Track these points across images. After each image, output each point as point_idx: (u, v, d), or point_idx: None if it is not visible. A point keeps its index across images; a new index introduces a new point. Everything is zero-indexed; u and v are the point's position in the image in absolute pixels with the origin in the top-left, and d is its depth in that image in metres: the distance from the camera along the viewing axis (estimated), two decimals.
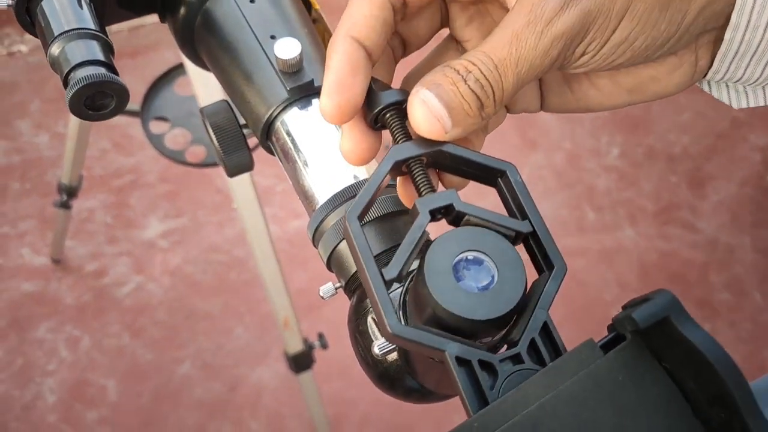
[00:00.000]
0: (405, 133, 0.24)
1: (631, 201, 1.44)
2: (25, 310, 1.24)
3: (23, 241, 1.31)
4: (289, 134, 0.32)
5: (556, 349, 0.21)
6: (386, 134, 0.25)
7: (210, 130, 0.35)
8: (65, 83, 0.28)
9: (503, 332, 0.21)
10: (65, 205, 1.05)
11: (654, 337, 0.20)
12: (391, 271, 0.21)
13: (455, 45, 0.28)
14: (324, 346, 0.92)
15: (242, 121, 0.36)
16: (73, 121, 0.90)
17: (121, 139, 1.44)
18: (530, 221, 0.22)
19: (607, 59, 0.24)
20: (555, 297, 0.21)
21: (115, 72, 0.29)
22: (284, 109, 0.32)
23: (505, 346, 0.21)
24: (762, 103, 0.27)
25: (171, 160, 0.95)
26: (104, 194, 1.37)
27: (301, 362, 0.89)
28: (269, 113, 0.32)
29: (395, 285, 0.24)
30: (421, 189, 0.23)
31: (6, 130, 1.45)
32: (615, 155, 1.51)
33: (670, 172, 1.49)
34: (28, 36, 1.60)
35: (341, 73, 0.23)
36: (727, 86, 0.27)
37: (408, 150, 0.23)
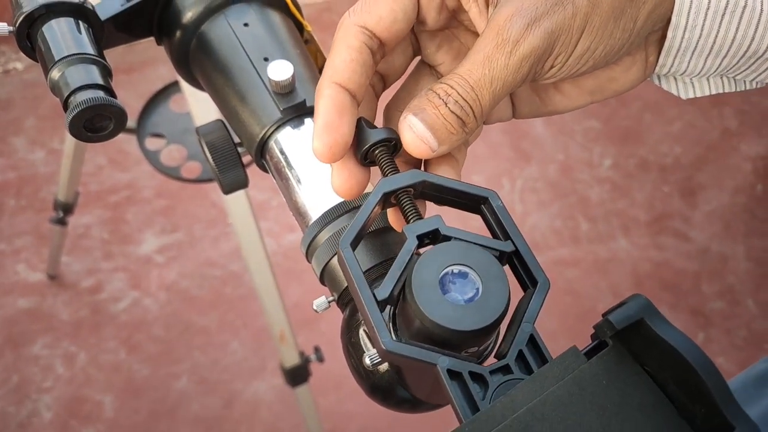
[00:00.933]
0: (393, 167, 0.25)
1: (624, 211, 1.46)
2: (20, 327, 1.24)
3: (19, 257, 1.31)
4: (282, 153, 0.32)
5: (543, 360, 0.22)
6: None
7: (206, 149, 0.36)
8: (65, 106, 0.29)
9: (490, 341, 0.22)
10: (61, 222, 1.06)
11: (633, 341, 0.21)
12: (382, 292, 0.22)
13: (428, 69, 0.30)
14: (320, 359, 0.93)
15: (237, 140, 0.37)
16: (70, 138, 0.91)
17: (117, 155, 1.45)
18: (512, 241, 0.23)
19: (572, 69, 0.26)
20: (540, 310, 0.22)
21: (114, 95, 0.30)
22: (278, 128, 0.33)
23: (495, 360, 0.22)
24: (707, 93, 0.30)
25: (167, 176, 0.95)
26: (100, 210, 1.37)
27: (297, 376, 0.89)
28: (263, 132, 0.33)
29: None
30: (409, 217, 0.24)
31: (1, 146, 1.45)
32: (607, 166, 1.52)
33: (662, 182, 1.51)
34: (23, 54, 1.61)
35: (329, 117, 0.25)
36: (675, 79, 0.30)
37: (396, 182, 0.24)
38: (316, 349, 0.94)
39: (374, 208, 0.23)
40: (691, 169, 1.53)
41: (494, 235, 0.24)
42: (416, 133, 0.24)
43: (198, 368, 1.21)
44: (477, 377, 0.21)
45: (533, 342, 0.21)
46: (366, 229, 0.23)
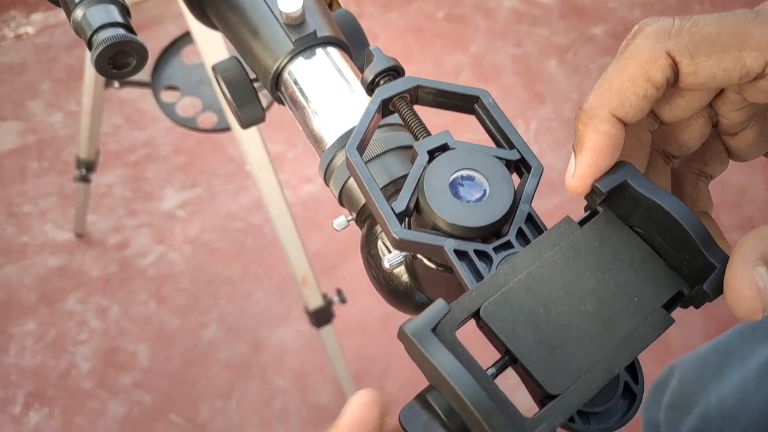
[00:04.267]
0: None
1: None
2: (53, 284, 1.28)
3: (45, 218, 1.35)
4: (296, 83, 0.34)
5: (541, 233, 0.24)
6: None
7: (222, 85, 0.37)
8: (89, 45, 0.30)
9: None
10: (85, 179, 1.09)
11: (621, 205, 0.23)
12: (399, 205, 0.23)
13: (717, 140, 0.27)
14: (343, 300, 0.96)
15: (252, 76, 0.38)
16: (87, 95, 0.92)
17: (133, 114, 1.46)
18: (517, 149, 0.24)
19: None
20: (535, 192, 0.23)
21: (134, 32, 0.31)
22: (291, 59, 0.34)
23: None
24: None
25: (183, 128, 0.97)
26: (121, 169, 1.40)
27: (321, 317, 0.92)
28: (277, 64, 0.34)
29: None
30: (417, 133, 0.25)
31: (19, 111, 1.48)
32: None
33: None
34: (34, 17, 1.61)
35: (598, 157, 0.23)
36: None
37: (391, 89, 0.25)
38: (339, 291, 0.97)
39: (374, 115, 0.25)
40: None
41: (496, 142, 0.25)
42: (762, 291, 0.20)
43: (225, 317, 1.25)
44: (482, 254, 0.23)
45: (531, 220, 0.23)
46: (369, 136, 0.25)
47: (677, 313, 0.23)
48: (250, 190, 1.37)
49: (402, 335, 0.20)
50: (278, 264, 1.28)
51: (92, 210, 1.33)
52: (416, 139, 0.25)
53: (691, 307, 0.23)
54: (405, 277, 0.28)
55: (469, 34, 1.54)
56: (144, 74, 0.99)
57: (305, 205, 1.35)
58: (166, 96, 0.99)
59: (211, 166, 1.41)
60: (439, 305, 0.20)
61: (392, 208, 0.23)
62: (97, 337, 1.24)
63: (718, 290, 0.21)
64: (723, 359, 0.51)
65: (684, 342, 1.21)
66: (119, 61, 0.31)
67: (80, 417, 1.17)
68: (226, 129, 0.89)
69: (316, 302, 0.91)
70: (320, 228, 1.32)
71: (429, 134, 0.25)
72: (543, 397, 0.21)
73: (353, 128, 0.32)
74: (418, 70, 1.51)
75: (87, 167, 1.07)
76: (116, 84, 0.96)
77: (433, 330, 0.20)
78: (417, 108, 0.26)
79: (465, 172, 0.23)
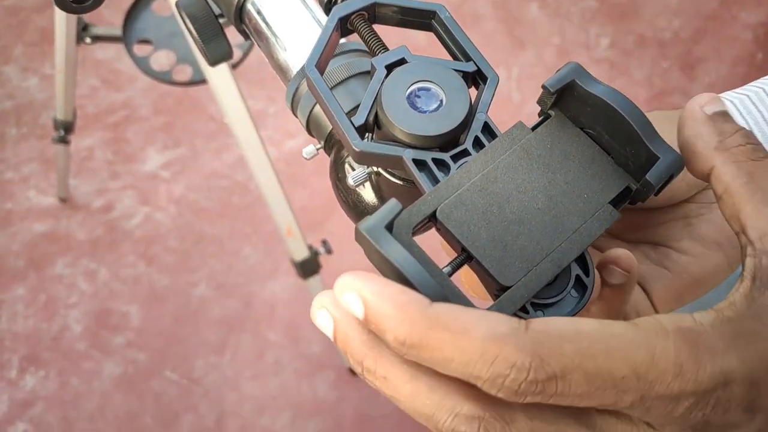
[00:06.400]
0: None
1: (623, 90, 1.43)
2: (40, 250, 1.28)
3: (28, 183, 1.34)
4: (259, 13, 0.33)
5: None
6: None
7: (187, 22, 0.36)
8: None
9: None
10: (63, 140, 1.07)
11: (571, 106, 0.23)
12: (358, 118, 0.23)
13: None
14: (329, 251, 0.96)
15: (218, 12, 0.37)
16: (59, 53, 0.91)
17: (109, 75, 1.44)
18: (474, 62, 0.24)
19: None
20: (491, 102, 0.24)
21: None
22: None
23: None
24: None
25: (159, 81, 0.96)
26: (101, 131, 1.38)
27: (308, 267, 0.93)
28: None
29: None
30: (375, 49, 0.25)
31: None
32: (605, 46, 1.50)
33: (661, 58, 1.49)
34: None
35: None
36: None
37: (349, 6, 0.25)
38: (324, 242, 0.98)
39: (332, 33, 0.25)
40: (689, 42, 1.50)
41: (450, 53, 0.26)
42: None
43: (215, 274, 1.26)
44: (440, 163, 0.23)
45: (488, 129, 0.24)
46: (328, 55, 0.24)
47: None
48: (233, 147, 1.36)
49: (357, 234, 0.20)
50: (265, 220, 1.28)
51: (75, 174, 1.32)
52: (374, 55, 0.25)
53: None
54: (372, 197, 0.29)
55: None
56: (115, 29, 0.97)
57: (288, 161, 1.35)
58: (140, 50, 0.97)
59: (193, 125, 1.39)
60: (391, 204, 0.20)
61: (352, 122, 0.23)
62: (87, 300, 1.24)
63: (660, 179, 0.22)
64: None
65: None
66: None
67: (76, 378, 1.18)
68: (202, 81, 0.88)
69: (301, 253, 0.92)
70: (305, 183, 1.32)
71: (387, 50, 0.25)
72: (497, 291, 0.22)
73: None
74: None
75: (65, 128, 1.05)
76: (88, 40, 0.94)
77: (389, 228, 0.20)
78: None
79: (421, 84, 0.23)
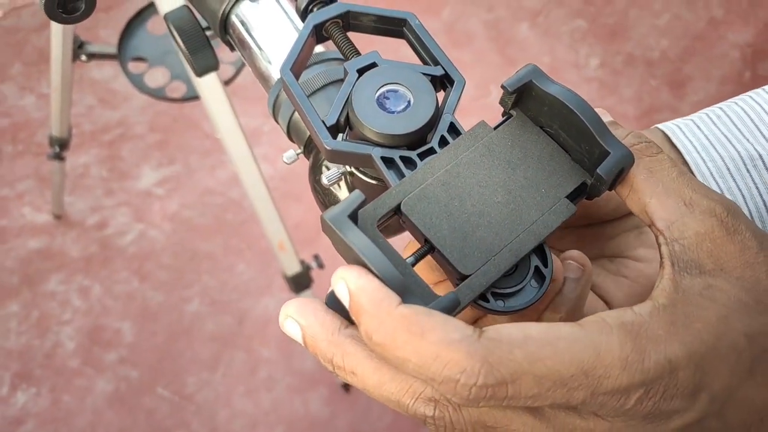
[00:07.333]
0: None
1: (612, 108, 1.47)
2: (34, 266, 1.29)
3: (23, 200, 1.35)
4: (243, 24, 0.35)
5: None
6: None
7: (175, 34, 0.38)
8: None
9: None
10: (59, 157, 1.09)
11: (530, 106, 0.24)
12: (330, 119, 0.25)
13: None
14: (320, 265, 0.97)
15: (205, 25, 0.39)
16: (55, 71, 0.92)
17: (105, 94, 1.46)
18: (441, 66, 0.26)
19: None
20: (457, 103, 0.25)
21: None
22: (237, 1, 0.35)
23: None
24: None
25: (153, 98, 0.97)
26: (96, 149, 1.40)
27: (299, 282, 0.94)
28: (223, 7, 0.35)
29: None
30: (347, 53, 0.26)
31: None
32: (595, 66, 1.52)
33: (649, 76, 1.51)
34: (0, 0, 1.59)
35: None
36: None
37: (323, 14, 0.26)
38: (316, 257, 0.99)
39: (307, 38, 0.26)
40: (678, 61, 1.53)
41: (421, 58, 0.27)
42: None
43: (208, 291, 1.26)
44: (407, 161, 0.24)
45: (454, 129, 0.25)
46: (303, 60, 0.26)
47: None
48: (228, 165, 1.37)
49: (323, 224, 0.21)
50: (259, 237, 1.29)
51: (70, 191, 1.33)
52: (347, 60, 0.26)
53: None
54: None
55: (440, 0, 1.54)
56: (110, 46, 0.99)
57: (284, 177, 1.36)
58: (134, 67, 0.99)
59: (187, 143, 1.41)
60: (354, 194, 0.21)
61: (324, 122, 0.24)
62: (80, 317, 1.24)
63: (611, 173, 0.23)
64: None
65: None
66: (68, 5, 0.32)
67: (68, 395, 1.18)
68: (195, 97, 0.89)
69: (293, 268, 0.93)
70: (300, 200, 1.33)
71: (359, 54, 0.26)
72: (458, 279, 0.22)
73: None
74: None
75: (60, 145, 1.07)
76: (83, 57, 0.96)
77: (354, 219, 0.21)
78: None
79: (390, 86, 0.25)
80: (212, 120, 0.74)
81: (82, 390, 1.18)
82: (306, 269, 0.94)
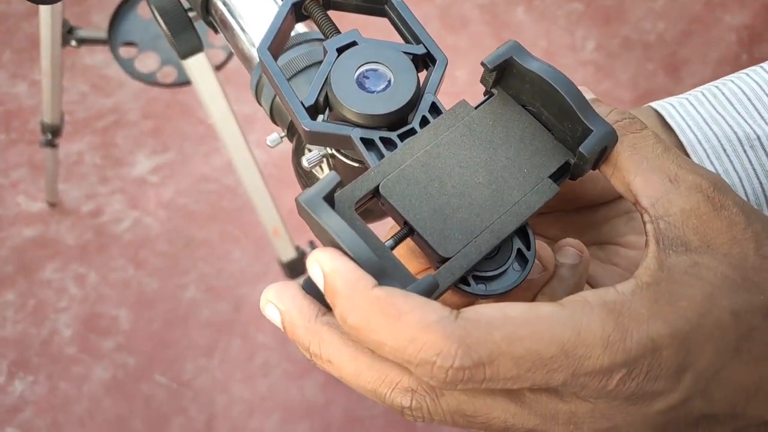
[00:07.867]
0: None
1: (608, 92, 1.46)
2: (29, 255, 1.28)
3: (17, 189, 1.34)
4: (225, 4, 0.34)
5: None
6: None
7: (157, 15, 0.37)
8: None
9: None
10: (51, 144, 1.08)
11: (512, 84, 0.24)
12: (308, 99, 0.24)
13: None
14: None
15: (187, 6, 0.38)
16: (45, 56, 0.91)
17: (98, 80, 1.44)
18: (423, 44, 0.25)
19: None
20: (440, 83, 0.24)
21: None
22: None
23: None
24: None
25: (144, 83, 0.97)
26: (90, 136, 1.39)
27: (295, 268, 0.94)
28: None
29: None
30: (327, 32, 0.26)
31: None
32: (591, 49, 1.51)
33: (646, 60, 1.50)
34: None
35: None
36: None
37: None
38: (311, 243, 0.98)
39: (285, 17, 0.25)
40: (674, 44, 1.52)
41: (403, 37, 0.26)
42: None
43: (204, 278, 1.26)
44: (387, 142, 0.24)
45: (436, 109, 0.24)
46: (282, 39, 0.25)
47: None
48: (222, 151, 1.36)
49: (298, 206, 0.21)
50: (254, 223, 1.29)
51: (64, 179, 1.33)
52: (327, 39, 0.26)
53: None
54: None
55: None
56: (101, 31, 0.98)
57: (277, 164, 1.36)
58: (125, 52, 0.98)
59: (182, 130, 1.40)
60: (329, 176, 0.21)
61: (302, 103, 0.24)
62: (77, 304, 1.24)
63: (593, 151, 0.22)
64: None
65: None
66: None
67: (65, 382, 1.18)
68: (186, 83, 0.89)
69: (288, 254, 0.92)
70: (294, 186, 1.32)
71: (339, 32, 0.26)
72: (438, 262, 0.22)
73: None
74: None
75: (52, 132, 1.06)
76: (74, 42, 0.95)
77: (330, 202, 0.21)
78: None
79: (370, 65, 0.24)
80: (203, 104, 0.74)
81: (80, 377, 1.19)
82: (301, 255, 0.94)
